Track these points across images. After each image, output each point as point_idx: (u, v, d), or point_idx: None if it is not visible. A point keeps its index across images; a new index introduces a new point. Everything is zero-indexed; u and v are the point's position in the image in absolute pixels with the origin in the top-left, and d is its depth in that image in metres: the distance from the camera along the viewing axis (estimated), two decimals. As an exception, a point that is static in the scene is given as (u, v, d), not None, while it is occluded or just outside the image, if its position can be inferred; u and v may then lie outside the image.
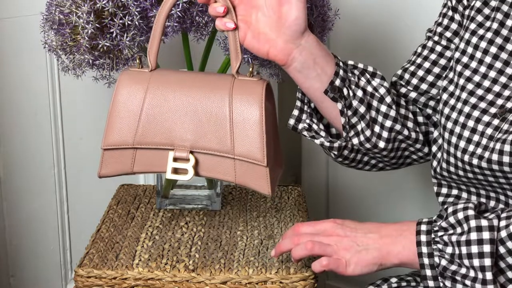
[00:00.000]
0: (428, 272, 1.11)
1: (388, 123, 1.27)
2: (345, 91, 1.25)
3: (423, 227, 1.13)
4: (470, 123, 1.18)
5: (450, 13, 1.29)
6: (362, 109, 1.26)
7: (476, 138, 1.17)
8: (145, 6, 1.34)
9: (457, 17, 1.28)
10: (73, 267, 1.89)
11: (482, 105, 1.18)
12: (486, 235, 1.06)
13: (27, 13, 1.69)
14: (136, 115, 1.25)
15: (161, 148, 1.25)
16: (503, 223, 1.07)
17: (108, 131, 1.27)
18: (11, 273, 1.81)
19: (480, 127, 1.17)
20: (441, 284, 1.11)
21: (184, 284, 1.28)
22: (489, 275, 1.06)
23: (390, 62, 1.83)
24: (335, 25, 1.43)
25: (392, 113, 1.26)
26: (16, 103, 1.74)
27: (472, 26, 1.23)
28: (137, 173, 1.29)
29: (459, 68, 1.23)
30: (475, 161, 1.16)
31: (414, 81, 1.32)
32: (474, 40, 1.22)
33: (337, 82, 1.24)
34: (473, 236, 1.07)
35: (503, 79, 1.17)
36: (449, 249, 1.09)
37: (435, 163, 1.26)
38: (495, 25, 1.20)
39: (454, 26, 1.28)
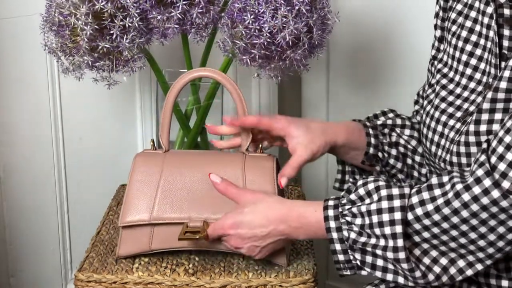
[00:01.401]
0: (338, 247, 1.13)
1: (423, 171, 1.33)
2: (380, 155, 1.32)
3: (331, 202, 1.14)
4: (439, 128, 1.20)
5: (434, 30, 1.31)
6: (399, 165, 1.33)
7: (442, 142, 1.19)
8: (145, 7, 1.33)
9: (437, 33, 1.30)
10: (73, 267, 1.89)
11: (450, 110, 1.20)
12: (397, 202, 1.07)
13: (27, 13, 1.68)
14: (152, 192, 1.29)
15: (178, 222, 1.28)
16: (414, 190, 1.08)
17: (125, 209, 1.29)
18: (11, 273, 1.81)
19: (446, 131, 1.19)
20: (351, 257, 1.12)
21: (184, 288, 1.28)
22: (400, 242, 1.07)
23: (389, 64, 1.82)
24: (334, 28, 1.42)
25: (427, 160, 1.30)
26: (16, 103, 1.74)
27: (449, 37, 1.25)
28: (155, 250, 1.31)
29: (438, 77, 1.25)
30: (442, 165, 1.18)
31: (421, 100, 1.36)
32: (451, 50, 1.24)
33: (371, 151, 1.31)
34: (384, 204, 1.08)
35: (472, 85, 1.18)
36: (358, 221, 1.10)
37: (427, 168, 1.29)
38: (464, 33, 1.21)
39: (436, 43, 1.31)
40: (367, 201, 1.10)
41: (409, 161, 1.33)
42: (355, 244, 1.11)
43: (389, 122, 1.35)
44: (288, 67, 1.38)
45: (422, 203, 1.06)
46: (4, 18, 1.68)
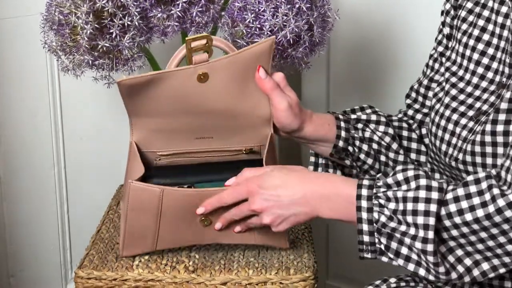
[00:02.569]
0: (365, 227, 1.10)
1: (399, 168, 1.29)
2: (350, 148, 1.31)
3: (365, 182, 1.11)
4: (450, 126, 1.20)
5: (441, 27, 1.31)
6: (369, 161, 1.32)
7: (454, 140, 1.18)
8: (145, 6, 1.34)
9: (445, 31, 1.30)
10: (73, 267, 1.89)
11: (462, 108, 1.19)
12: (435, 195, 1.05)
13: (27, 13, 1.69)
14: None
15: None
16: (450, 187, 1.06)
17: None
18: (11, 273, 1.81)
19: (457, 130, 1.18)
20: (377, 240, 1.10)
21: (184, 285, 1.28)
22: (431, 234, 1.05)
23: (389, 62, 1.83)
24: (335, 25, 1.42)
25: (401, 158, 1.32)
26: (16, 103, 1.74)
27: (459, 35, 1.25)
28: (159, 249, 1.30)
29: (447, 75, 1.25)
30: (453, 163, 1.17)
31: (420, 98, 1.35)
32: (461, 49, 1.24)
33: (340, 144, 1.30)
34: (422, 194, 1.06)
35: (484, 84, 1.18)
36: (391, 205, 1.08)
37: (429, 166, 1.29)
38: (476, 32, 1.21)
39: (444, 40, 1.31)
40: (404, 187, 1.08)
41: (382, 158, 1.32)
42: (383, 227, 1.09)
43: (364, 117, 1.34)
44: (289, 65, 1.38)
45: (456, 199, 1.04)
46: (4, 18, 1.68)
